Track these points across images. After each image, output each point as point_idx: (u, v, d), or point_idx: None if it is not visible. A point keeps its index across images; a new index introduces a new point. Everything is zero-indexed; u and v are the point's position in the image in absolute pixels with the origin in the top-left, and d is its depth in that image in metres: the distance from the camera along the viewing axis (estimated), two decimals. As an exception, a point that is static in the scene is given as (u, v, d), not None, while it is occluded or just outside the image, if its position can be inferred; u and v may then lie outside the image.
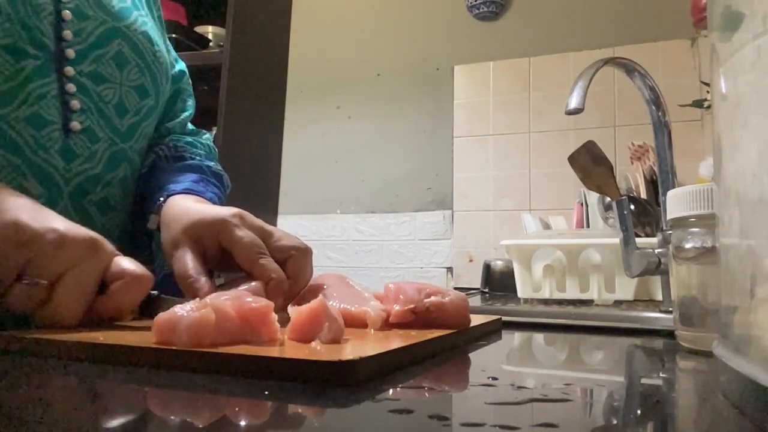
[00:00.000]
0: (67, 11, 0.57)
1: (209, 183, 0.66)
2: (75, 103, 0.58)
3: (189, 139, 0.75)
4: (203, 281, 0.48)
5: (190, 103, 0.79)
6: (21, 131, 0.54)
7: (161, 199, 0.59)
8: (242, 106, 1.68)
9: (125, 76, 0.62)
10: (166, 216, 0.56)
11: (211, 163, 0.71)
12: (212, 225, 0.51)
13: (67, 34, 0.57)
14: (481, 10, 2.11)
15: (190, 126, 0.79)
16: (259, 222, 0.53)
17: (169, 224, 0.54)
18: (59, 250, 0.42)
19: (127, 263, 0.46)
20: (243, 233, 0.50)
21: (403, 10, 2.27)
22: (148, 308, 0.47)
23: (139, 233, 0.66)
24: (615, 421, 0.28)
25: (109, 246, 0.46)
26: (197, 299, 0.39)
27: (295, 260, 0.51)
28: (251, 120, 1.75)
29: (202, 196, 0.61)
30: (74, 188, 0.58)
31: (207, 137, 0.79)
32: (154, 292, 0.48)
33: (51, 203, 0.56)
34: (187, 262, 0.49)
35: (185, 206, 0.56)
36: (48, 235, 0.42)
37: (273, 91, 1.93)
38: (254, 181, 1.75)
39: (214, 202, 0.62)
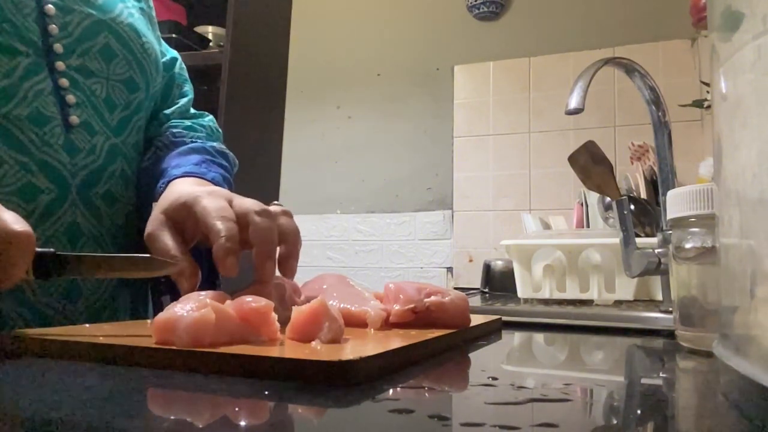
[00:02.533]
0: (50, 6, 0.57)
1: (213, 163, 0.65)
2: (71, 98, 0.58)
3: (188, 123, 0.73)
4: (180, 258, 0.50)
5: (188, 87, 0.78)
6: (24, 129, 0.54)
7: (161, 186, 0.60)
8: (242, 106, 1.68)
9: (112, 70, 0.62)
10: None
11: (215, 143, 0.70)
12: (185, 203, 0.52)
13: (53, 28, 0.57)
14: (481, 10, 2.11)
15: (191, 111, 0.77)
16: (229, 194, 0.53)
17: (155, 206, 0.56)
18: None
19: (7, 216, 0.40)
20: (207, 202, 0.51)
21: (403, 10, 2.27)
22: (43, 267, 0.42)
23: (141, 225, 0.66)
24: (615, 421, 0.28)
25: None
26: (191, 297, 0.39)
27: (254, 223, 0.50)
28: (251, 120, 1.75)
29: (204, 178, 0.61)
30: (80, 182, 0.59)
31: (210, 119, 0.77)
32: (50, 249, 0.43)
33: (60, 198, 0.56)
34: (167, 242, 0.51)
35: (175, 188, 0.57)
36: None
37: (273, 90, 1.93)
38: (254, 181, 1.75)
39: (217, 182, 0.62)
